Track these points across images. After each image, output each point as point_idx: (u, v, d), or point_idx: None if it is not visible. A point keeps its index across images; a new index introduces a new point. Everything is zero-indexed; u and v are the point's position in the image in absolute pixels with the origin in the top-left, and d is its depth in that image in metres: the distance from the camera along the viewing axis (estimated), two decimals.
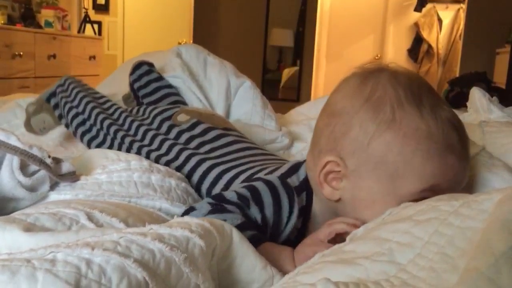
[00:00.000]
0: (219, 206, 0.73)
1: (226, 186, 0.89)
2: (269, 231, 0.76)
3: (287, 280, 0.56)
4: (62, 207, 0.66)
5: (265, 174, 0.84)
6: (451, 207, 0.54)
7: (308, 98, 5.55)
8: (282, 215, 0.76)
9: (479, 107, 1.33)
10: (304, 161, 0.84)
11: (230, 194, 0.75)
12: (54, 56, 3.79)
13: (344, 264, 0.52)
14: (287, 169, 0.83)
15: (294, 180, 0.80)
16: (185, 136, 1.02)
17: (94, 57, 4.44)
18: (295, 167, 0.83)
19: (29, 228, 0.58)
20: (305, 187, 0.80)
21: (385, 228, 0.56)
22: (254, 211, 0.74)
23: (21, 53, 3.38)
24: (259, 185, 0.77)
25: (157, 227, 0.55)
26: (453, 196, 0.57)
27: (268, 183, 0.77)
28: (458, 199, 0.55)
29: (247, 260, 0.60)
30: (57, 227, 0.61)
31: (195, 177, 0.94)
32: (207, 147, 0.99)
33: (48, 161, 0.75)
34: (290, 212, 0.76)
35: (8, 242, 0.55)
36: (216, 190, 0.90)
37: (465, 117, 1.38)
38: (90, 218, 0.64)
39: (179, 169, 0.95)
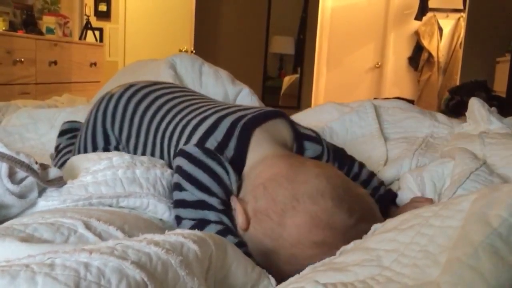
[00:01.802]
0: (198, 222, 0.79)
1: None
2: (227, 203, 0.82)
3: None
4: (59, 217, 0.66)
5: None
6: (431, 212, 0.56)
7: (308, 105, 5.55)
8: (224, 179, 0.82)
9: (479, 117, 1.34)
10: (225, 115, 0.91)
11: (187, 196, 0.81)
12: (55, 62, 3.80)
13: (335, 271, 0.53)
14: (203, 132, 0.88)
15: (212, 142, 0.86)
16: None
17: (95, 64, 4.45)
18: (213, 126, 0.88)
19: (28, 239, 0.59)
20: (227, 142, 0.86)
21: (373, 240, 0.58)
22: (212, 201, 0.80)
23: (22, 59, 3.39)
24: (187, 166, 0.82)
25: (151, 235, 0.55)
26: (433, 204, 0.60)
27: (191, 158, 0.83)
28: (438, 205, 0.57)
29: (240, 263, 0.62)
30: (56, 237, 0.62)
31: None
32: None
33: (35, 167, 0.75)
34: (227, 172, 0.83)
35: (7, 253, 0.56)
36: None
37: (464, 127, 1.39)
38: (88, 227, 0.65)
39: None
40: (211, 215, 0.79)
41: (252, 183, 0.83)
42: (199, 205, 0.80)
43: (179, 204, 0.82)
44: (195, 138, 0.88)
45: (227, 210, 0.81)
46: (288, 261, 0.73)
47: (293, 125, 0.97)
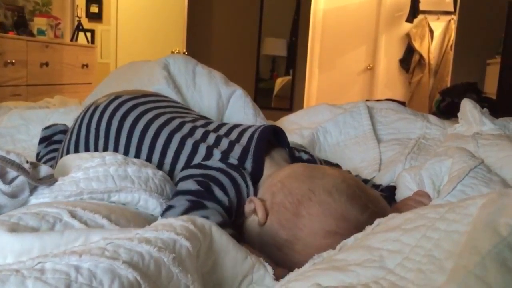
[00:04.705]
0: (198, 203, 0.80)
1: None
2: (234, 212, 0.85)
3: (279, 287, 0.57)
4: (44, 207, 0.66)
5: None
6: (437, 214, 0.55)
7: (301, 107, 5.55)
8: (243, 192, 0.86)
9: (471, 118, 1.34)
10: (235, 140, 0.94)
11: (192, 186, 0.83)
12: (46, 64, 3.78)
13: (336, 270, 0.52)
14: (223, 150, 0.92)
15: (232, 160, 0.91)
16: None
17: (87, 65, 4.43)
18: (229, 149, 0.93)
19: (13, 228, 0.58)
20: (244, 160, 0.91)
21: (376, 238, 0.57)
22: (220, 195, 0.83)
23: (13, 61, 3.36)
24: (215, 173, 0.87)
25: (143, 231, 0.55)
26: (439, 205, 0.58)
27: (221, 170, 0.88)
28: (444, 207, 0.56)
29: (229, 255, 0.61)
30: (41, 225, 0.61)
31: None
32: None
33: (26, 166, 0.75)
34: (247, 186, 0.88)
35: None
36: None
37: (456, 128, 1.39)
38: (73, 215, 0.65)
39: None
40: (210, 205, 0.81)
41: (269, 183, 0.86)
42: (208, 192, 0.82)
43: (190, 177, 0.85)
44: (216, 155, 0.92)
45: (230, 213, 0.83)
46: (302, 251, 0.75)
47: (290, 148, 1.02)
